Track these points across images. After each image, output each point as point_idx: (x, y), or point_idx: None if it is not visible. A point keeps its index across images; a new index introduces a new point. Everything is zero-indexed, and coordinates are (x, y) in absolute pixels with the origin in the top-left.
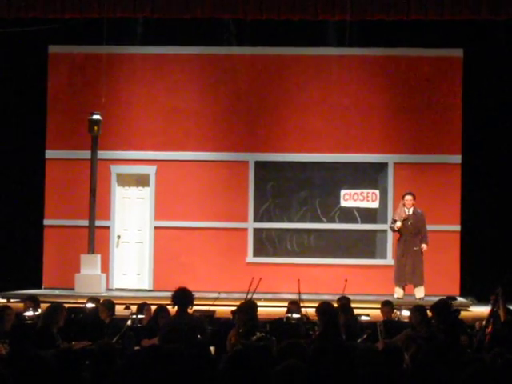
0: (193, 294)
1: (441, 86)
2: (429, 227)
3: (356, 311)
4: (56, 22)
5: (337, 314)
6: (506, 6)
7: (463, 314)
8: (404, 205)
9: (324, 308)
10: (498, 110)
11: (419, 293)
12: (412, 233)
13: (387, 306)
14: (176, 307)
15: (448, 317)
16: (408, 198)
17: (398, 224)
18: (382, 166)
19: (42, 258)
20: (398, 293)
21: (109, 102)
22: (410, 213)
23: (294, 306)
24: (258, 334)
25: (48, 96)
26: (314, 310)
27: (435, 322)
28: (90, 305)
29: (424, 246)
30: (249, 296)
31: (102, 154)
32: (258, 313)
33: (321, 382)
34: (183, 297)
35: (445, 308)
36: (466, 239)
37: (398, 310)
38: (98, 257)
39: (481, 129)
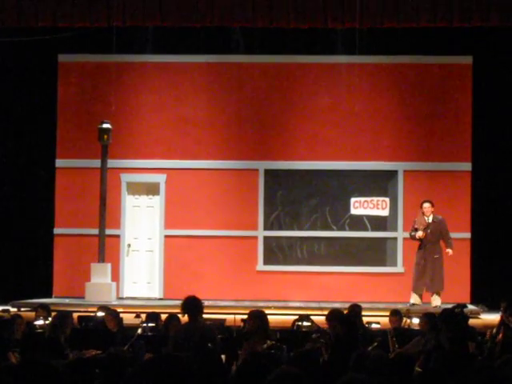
0: (202, 301)
1: (450, 93)
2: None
3: (366, 319)
4: (66, 31)
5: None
6: None
7: (474, 321)
8: (423, 213)
9: (344, 316)
10: (507, 116)
11: (436, 301)
12: (432, 241)
13: (395, 315)
14: (186, 316)
15: (456, 325)
16: (426, 205)
17: (420, 233)
18: (392, 174)
19: (52, 266)
20: (415, 299)
21: (118, 110)
22: (430, 220)
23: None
24: (268, 342)
25: (58, 105)
26: (321, 317)
27: (443, 330)
28: (101, 313)
29: (449, 250)
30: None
31: (112, 163)
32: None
33: None
34: (193, 305)
35: (452, 317)
36: (477, 247)
37: (409, 317)
38: (108, 265)
39: (491, 136)
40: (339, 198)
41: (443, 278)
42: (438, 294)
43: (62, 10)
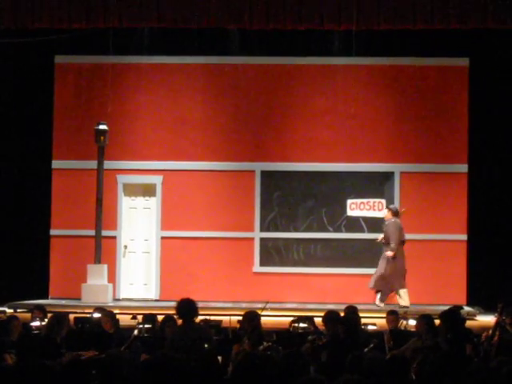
0: (196, 303)
1: (447, 95)
2: (436, 236)
3: (362, 320)
4: (62, 32)
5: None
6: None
7: (470, 323)
8: None
9: (342, 317)
10: (504, 118)
11: (400, 301)
12: (384, 244)
13: (392, 314)
14: (182, 319)
15: (456, 326)
16: (383, 211)
17: (379, 236)
18: (389, 176)
19: (49, 267)
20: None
21: (115, 111)
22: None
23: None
24: (264, 343)
25: (54, 106)
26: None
27: (443, 330)
28: (97, 315)
29: (388, 253)
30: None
31: (109, 164)
32: (265, 322)
33: None
34: (187, 308)
35: (453, 317)
36: (473, 248)
37: (405, 319)
38: (105, 267)
39: (487, 138)
40: (336, 200)
41: (400, 277)
42: (400, 293)
43: (58, 12)
